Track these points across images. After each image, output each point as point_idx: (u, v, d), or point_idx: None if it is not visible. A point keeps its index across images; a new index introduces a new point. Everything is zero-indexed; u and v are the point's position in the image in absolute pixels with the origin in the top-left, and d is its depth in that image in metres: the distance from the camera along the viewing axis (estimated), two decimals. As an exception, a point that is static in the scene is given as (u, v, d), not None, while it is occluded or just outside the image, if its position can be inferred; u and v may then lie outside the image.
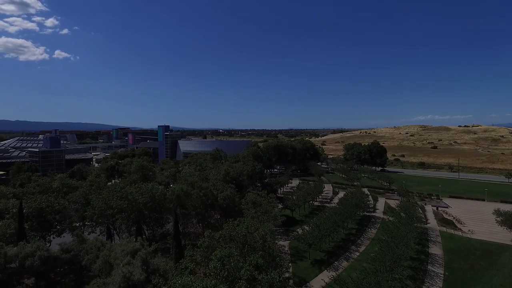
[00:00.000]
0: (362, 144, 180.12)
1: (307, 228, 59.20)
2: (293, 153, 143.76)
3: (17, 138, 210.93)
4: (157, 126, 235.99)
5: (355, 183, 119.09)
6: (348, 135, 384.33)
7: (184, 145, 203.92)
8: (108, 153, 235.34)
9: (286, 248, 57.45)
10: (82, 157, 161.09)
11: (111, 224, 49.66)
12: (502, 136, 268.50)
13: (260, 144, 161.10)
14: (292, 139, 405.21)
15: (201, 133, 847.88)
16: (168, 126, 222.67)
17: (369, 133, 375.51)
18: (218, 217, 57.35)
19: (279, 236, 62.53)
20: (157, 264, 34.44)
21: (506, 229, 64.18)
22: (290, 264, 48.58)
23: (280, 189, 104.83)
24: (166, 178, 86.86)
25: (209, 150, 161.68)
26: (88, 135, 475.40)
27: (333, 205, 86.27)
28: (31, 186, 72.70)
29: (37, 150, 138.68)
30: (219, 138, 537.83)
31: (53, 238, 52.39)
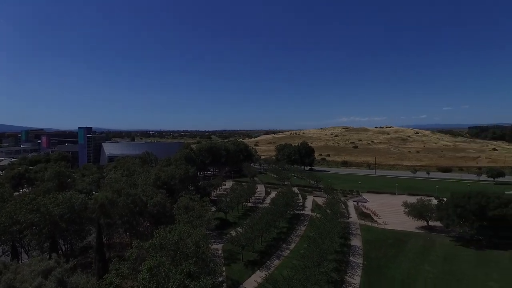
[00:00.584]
0: (292, 145, 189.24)
1: (241, 230, 59.82)
2: (226, 154, 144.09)
3: None
4: (76, 127, 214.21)
5: (286, 183, 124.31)
6: (280, 136, 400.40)
7: (110, 148, 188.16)
8: (16, 158, 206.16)
9: (220, 252, 57.22)
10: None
11: (17, 242, 43.16)
12: (409, 136, 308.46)
13: (194, 146, 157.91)
14: (226, 140, 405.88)
15: (129, 135, 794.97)
16: (91, 127, 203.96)
17: (299, 134, 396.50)
18: (148, 224, 54.36)
19: (213, 240, 62.04)
20: (76, 282, 31.07)
21: (412, 218, 73.63)
22: (223, 268, 48.51)
23: (214, 192, 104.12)
24: (88, 185, 79.10)
25: (138, 153, 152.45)
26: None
27: (266, 205, 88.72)
28: None
29: None
30: (149, 140, 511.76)
31: None
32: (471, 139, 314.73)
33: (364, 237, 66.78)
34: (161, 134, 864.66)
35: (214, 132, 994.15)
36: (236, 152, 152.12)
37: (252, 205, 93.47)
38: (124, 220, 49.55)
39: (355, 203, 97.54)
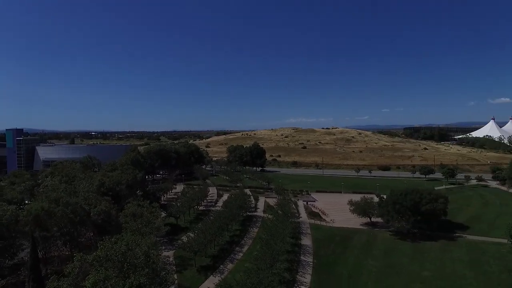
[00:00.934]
0: (244, 146, 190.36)
1: (192, 235, 58.56)
2: (177, 157, 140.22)
3: None
4: (2, 128, 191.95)
5: (238, 185, 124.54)
6: (231, 137, 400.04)
7: (45, 152, 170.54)
8: None
9: (171, 259, 55.26)
10: None
11: None
12: (353, 137, 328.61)
13: (141, 149, 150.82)
14: (176, 142, 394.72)
15: (68, 136, 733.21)
16: (22, 129, 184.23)
17: (250, 135, 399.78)
18: (92, 235, 50.57)
19: (163, 247, 59.58)
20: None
21: (357, 215, 78.44)
22: (175, 276, 47.03)
23: (164, 196, 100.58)
24: (19, 194, 71.09)
25: (79, 157, 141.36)
26: None
27: (218, 208, 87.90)
28: None
29: None
30: (91, 143, 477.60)
31: None
32: (406, 139, 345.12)
33: (314, 236, 69.53)
34: (104, 135, 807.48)
35: (163, 133, 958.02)
36: (187, 154, 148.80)
37: (204, 208, 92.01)
38: (63, 232, 45.49)
39: (305, 202, 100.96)
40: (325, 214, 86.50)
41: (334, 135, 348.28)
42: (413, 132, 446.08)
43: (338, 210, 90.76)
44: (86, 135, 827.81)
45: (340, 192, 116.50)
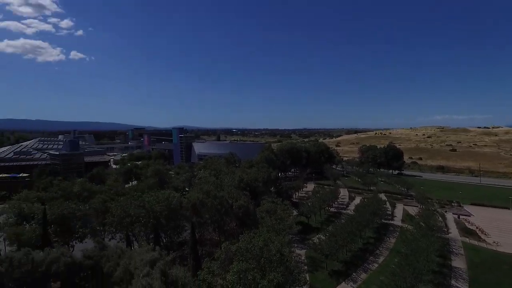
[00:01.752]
0: (378, 146, 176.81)
1: (323, 237, 58.24)
2: (307, 156, 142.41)
3: (38, 139, 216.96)
4: (171, 126, 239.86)
5: (371, 188, 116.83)
6: (363, 136, 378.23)
7: (199, 148, 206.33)
8: (125, 153, 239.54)
9: (303, 257, 56.58)
10: (100, 160, 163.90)
11: (130, 231, 50.13)
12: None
13: (274, 146, 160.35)
14: (305, 140, 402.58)
15: (215, 133, 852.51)
16: (183, 128, 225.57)
17: (385, 134, 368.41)
18: (235, 225, 57.05)
19: (295, 245, 61.75)
20: (176, 275, 34.36)
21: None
22: (307, 276, 47.89)
23: (295, 194, 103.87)
24: (181, 183, 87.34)
25: (223, 152, 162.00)
26: (105, 135, 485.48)
27: (350, 211, 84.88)
28: (53, 191, 74.55)
29: (58, 153, 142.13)
30: (233, 139, 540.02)
31: (76, 243, 53.51)
32: None
33: (469, 258, 58.18)
34: (243, 132, 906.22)
35: (294, 131, 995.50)
36: (316, 153, 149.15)
37: (335, 210, 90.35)
38: (213, 219, 53.01)
39: (456, 216, 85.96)
40: (485, 234, 71.26)
41: (497, 136, 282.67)
42: None
43: (504, 230, 73.60)
44: (229, 132, 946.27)
45: (508, 208, 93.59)
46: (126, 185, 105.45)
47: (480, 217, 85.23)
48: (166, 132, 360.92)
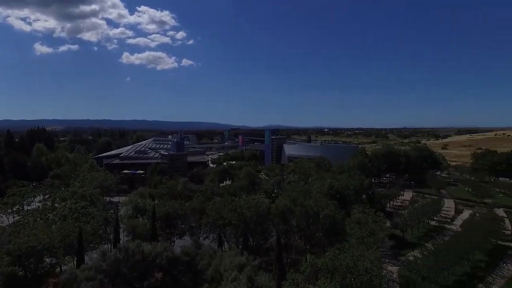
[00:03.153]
0: (498, 151, 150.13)
1: (419, 255, 53.42)
2: (406, 161, 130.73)
3: (153, 138, 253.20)
4: (263, 125, 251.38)
5: (486, 201, 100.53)
6: (479, 137, 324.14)
7: (289, 149, 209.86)
8: (222, 153, 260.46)
9: (395, 275, 53.13)
10: (200, 160, 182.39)
11: (222, 233, 55.38)
12: None
13: (369, 147, 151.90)
14: (405, 141, 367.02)
15: (306, 132, 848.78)
16: (275, 129, 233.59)
17: (508, 135, 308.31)
18: (321, 234, 57.14)
19: (387, 260, 58.19)
20: (261, 282, 36.91)
21: None
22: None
23: (390, 203, 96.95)
24: (271, 186, 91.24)
25: (313, 154, 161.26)
26: (205, 135, 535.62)
27: (455, 227, 75.22)
28: (161, 188, 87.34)
29: (167, 153, 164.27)
30: (324, 139, 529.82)
31: (176, 239, 61.68)
32: None
33: None
34: (335, 131, 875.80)
35: (391, 130, 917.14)
36: (417, 159, 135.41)
37: (437, 224, 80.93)
38: (300, 227, 54.28)
39: None
40: None
41: None
42: None
43: None
44: (320, 131, 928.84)
45: None
46: (221, 184, 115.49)
47: None
48: (258, 132, 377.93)
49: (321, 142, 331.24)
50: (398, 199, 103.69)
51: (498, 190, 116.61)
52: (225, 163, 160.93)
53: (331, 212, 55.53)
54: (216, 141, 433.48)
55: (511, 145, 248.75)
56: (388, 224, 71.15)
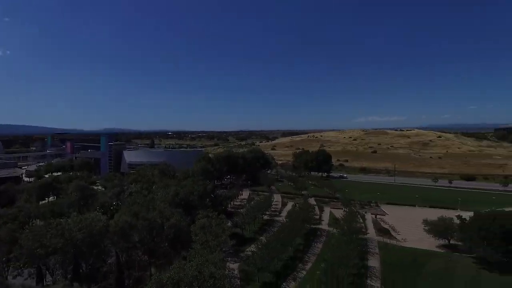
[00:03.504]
0: (310, 151, 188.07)
1: (255, 250, 60.16)
2: (243, 163, 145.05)
3: None
4: (99, 128, 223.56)
5: (303, 192, 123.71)
6: (298, 139, 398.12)
7: (130, 156, 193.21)
8: (42, 163, 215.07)
9: (236, 272, 57.70)
10: (8, 175, 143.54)
11: (43, 264, 45.25)
12: (431, 140, 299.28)
13: (211, 154, 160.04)
14: (242, 143, 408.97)
15: (149, 136, 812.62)
16: (113, 134, 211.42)
17: (317, 137, 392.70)
18: (166, 244, 55.60)
19: (229, 258, 62.57)
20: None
21: (432, 236, 71.58)
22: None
23: (231, 203, 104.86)
24: (109, 199, 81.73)
25: (157, 161, 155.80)
26: (17, 141, 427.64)
27: (282, 218, 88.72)
28: None
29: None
30: (168, 142, 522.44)
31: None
32: (498, 143, 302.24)
33: (382, 257, 65.36)
34: (179, 135, 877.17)
35: (231, 133, 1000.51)
36: (253, 159, 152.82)
37: (269, 217, 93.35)
38: (143, 242, 51.01)
39: (374, 216, 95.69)
40: (396, 231, 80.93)
41: (409, 138, 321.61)
42: (506, 134, 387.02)
43: (411, 226, 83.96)
44: (164, 135, 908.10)
45: (414, 206, 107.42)
46: (42, 201, 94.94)
47: (392, 215, 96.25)
48: (93, 137, 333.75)
49: (165, 147, 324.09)
50: (238, 198, 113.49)
51: (311, 182, 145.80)
52: (47, 176, 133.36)
53: (176, 221, 55.06)
54: (34, 148, 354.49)
55: (318, 144, 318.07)
56: (229, 224, 76.79)
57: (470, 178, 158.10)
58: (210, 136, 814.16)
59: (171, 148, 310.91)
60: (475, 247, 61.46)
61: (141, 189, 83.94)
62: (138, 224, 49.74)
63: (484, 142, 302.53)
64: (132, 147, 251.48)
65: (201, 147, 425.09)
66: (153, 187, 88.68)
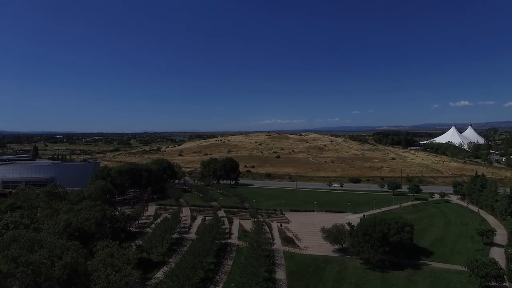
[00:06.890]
0: (218, 159, 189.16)
1: (162, 277, 57.59)
2: (148, 175, 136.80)
3: None
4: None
5: (212, 204, 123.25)
6: (205, 143, 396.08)
7: (4, 172, 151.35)
8: None
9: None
10: None
11: None
12: (325, 145, 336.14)
13: (111, 165, 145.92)
14: (147, 148, 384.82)
15: (31, 140, 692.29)
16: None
17: (224, 142, 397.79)
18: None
19: (135, 289, 58.06)
20: None
21: (328, 242, 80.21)
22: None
23: (136, 223, 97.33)
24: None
25: (43, 176, 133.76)
26: None
27: (191, 235, 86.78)
28: None
29: None
30: (57, 147, 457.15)
31: None
32: (375, 146, 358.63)
33: (287, 267, 70.09)
34: (70, 138, 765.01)
35: (133, 135, 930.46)
36: (159, 171, 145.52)
37: (178, 235, 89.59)
38: (26, 292, 43.02)
39: (279, 224, 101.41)
40: (299, 239, 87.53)
41: (307, 142, 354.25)
42: (381, 137, 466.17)
43: (311, 233, 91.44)
44: (51, 138, 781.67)
45: (313, 211, 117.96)
46: None
47: (296, 222, 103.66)
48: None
49: (53, 158, 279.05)
50: (143, 216, 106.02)
51: (220, 192, 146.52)
52: None
53: (72, 259, 48.36)
54: None
55: (226, 149, 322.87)
56: (134, 247, 71.03)
57: (356, 180, 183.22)
58: (109, 139, 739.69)
59: (61, 159, 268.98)
60: (361, 250, 71.23)
61: (21, 218, 70.64)
62: (18, 273, 41.61)
63: (366, 146, 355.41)
64: (7, 157, 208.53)
65: (98, 153, 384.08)
66: (38, 214, 75.75)
